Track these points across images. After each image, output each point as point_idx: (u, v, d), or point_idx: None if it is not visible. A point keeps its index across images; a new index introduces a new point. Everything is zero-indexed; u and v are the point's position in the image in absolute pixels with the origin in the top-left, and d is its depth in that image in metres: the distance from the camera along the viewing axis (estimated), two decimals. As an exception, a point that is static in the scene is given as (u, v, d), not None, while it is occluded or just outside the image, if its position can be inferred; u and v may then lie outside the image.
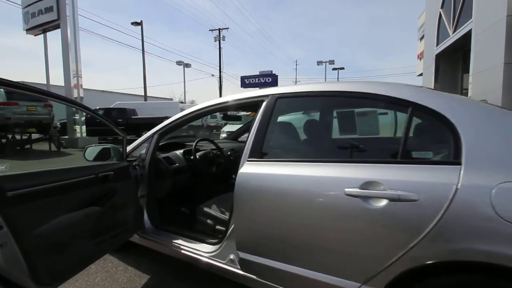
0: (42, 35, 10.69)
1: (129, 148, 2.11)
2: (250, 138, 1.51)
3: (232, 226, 1.50)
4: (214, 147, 2.62)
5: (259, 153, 1.46)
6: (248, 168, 1.44)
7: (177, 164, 2.23)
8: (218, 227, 1.91)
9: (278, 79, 21.71)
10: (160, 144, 2.11)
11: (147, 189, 2.01)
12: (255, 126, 1.52)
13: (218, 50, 25.65)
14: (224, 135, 8.98)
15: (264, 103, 1.55)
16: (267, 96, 1.57)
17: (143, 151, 2.07)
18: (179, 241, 1.82)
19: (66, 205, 1.33)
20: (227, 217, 1.63)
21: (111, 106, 13.29)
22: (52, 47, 11.27)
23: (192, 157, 2.30)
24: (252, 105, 1.67)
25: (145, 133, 2.11)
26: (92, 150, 1.80)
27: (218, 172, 2.43)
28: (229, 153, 2.73)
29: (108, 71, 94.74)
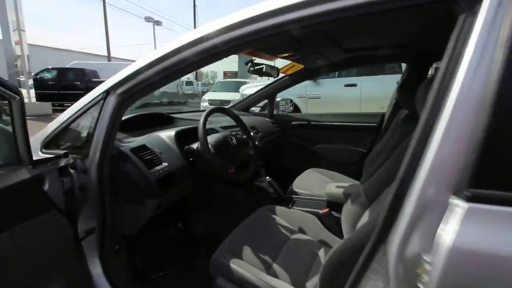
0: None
1: (51, 126, 0.94)
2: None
3: None
4: (235, 127, 1.47)
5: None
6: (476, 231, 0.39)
7: (165, 165, 1.09)
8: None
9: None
10: (123, 118, 0.95)
11: (98, 219, 0.90)
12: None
13: (192, 8, 22.76)
14: (205, 104, 7.66)
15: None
16: None
17: (84, 133, 0.91)
18: None
19: None
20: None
21: (66, 66, 11.13)
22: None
23: (197, 147, 1.16)
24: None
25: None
26: None
27: (249, 176, 1.32)
28: (256, 138, 1.60)
29: (68, 30, 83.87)
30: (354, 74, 4.89)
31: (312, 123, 2.09)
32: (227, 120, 1.70)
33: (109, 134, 0.86)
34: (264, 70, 1.40)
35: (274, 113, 2.22)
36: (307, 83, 4.64)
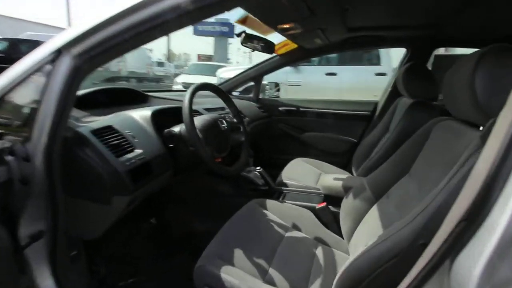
0: None
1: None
2: None
3: None
4: (220, 109, 1.30)
5: None
6: None
7: (138, 152, 0.87)
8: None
9: (236, 30, 19.11)
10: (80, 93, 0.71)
11: (47, 220, 0.68)
12: None
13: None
14: (178, 87, 7.20)
15: None
16: None
17: (26, 108, 0.67)
18: None
19: None
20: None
21: (18, 37, 9.83)
22: None
23: (179, 131, 0.94)
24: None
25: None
26: None
27: (241, 167, 1.11)
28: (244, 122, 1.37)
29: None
30: (334, 62, 4.85)
31: (300, 109, 1.95)
32: (211, 102, 1.49)
33: (60, 110, 0.63)
34: (259, 43, 1.20)
35: (260, 97, 2.04)
36: (287, 69, 4.52)
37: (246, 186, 1.33)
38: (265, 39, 1.22)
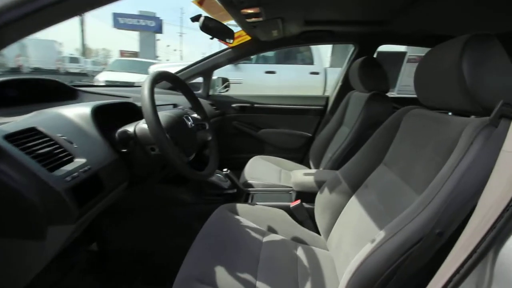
0: None
1: None
2: None
3: None
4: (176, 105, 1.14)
5: None
6: None
7: (80, 162, 0.64)
8: None
9: (164, 26, 17.90)
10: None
11: None
12: None
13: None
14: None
15: None
16: None
17: None
18: None
19: None
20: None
21: None
22: None
23: (134, 130, 0.74)
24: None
25: None
26: None
27: (213, 171, 0.94)
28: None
29: None
30: (272, 61, 4.97)
31: (255, 105, 1.88)
32: (158, 98, 1.28)
33: None
34: (219, 29, 1.06)
35: (210, 93, 1.89)
36: (228, 67, 4.42)
37: (210, 191, 1.19)
38: (225, 25, 1.09)
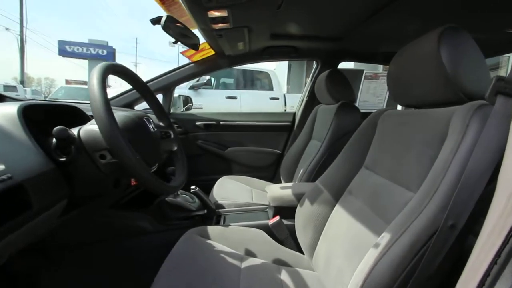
0: None
1: None
2: None
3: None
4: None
5: None
6: None
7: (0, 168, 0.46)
8: None
9: (117, 55, 17.30)
10: None
11: None
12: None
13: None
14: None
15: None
16: None
17: None
18: None
19: None
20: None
21: None
22: None
23: (78, 132, 0.58)
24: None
25: None
26: None
27: (182, 184, 0.79)
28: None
29: None
30: (232, 87, 5.03)
31: (221, 123, 1.78)
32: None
33: None
34: (183, 32, 0.97)
35: (171, 111, 1.75)
36: (189, 92, 4.37)
37: (175, 215, 1.01)
38: (188, 28, 1.01)
